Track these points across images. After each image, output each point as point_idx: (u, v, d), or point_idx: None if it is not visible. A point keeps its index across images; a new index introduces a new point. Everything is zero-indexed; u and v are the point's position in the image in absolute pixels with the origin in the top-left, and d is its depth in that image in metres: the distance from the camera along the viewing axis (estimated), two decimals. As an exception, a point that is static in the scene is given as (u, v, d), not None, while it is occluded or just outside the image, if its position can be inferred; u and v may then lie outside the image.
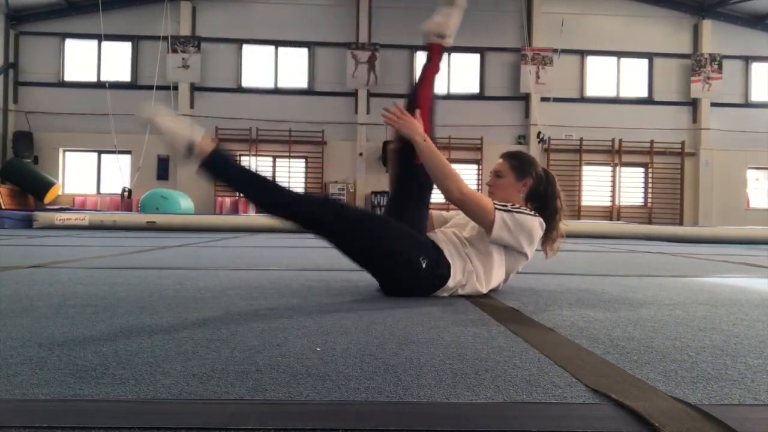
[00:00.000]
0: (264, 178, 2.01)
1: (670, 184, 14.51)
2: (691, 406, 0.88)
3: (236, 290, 2.17)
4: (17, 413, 0.82)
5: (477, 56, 14.43)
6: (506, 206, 2.03)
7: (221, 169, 2.00)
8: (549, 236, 2.19)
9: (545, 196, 2.20)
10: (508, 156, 2.26)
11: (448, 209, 2.30)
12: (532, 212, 2.09)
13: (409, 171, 2.12)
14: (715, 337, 1.44)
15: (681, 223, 13.99)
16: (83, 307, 1.73)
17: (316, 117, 14.04)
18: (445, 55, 2.28)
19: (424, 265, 1.97)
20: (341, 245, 2.04)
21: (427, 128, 2.09)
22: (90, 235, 6.98)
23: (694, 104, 14.54)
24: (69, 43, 14.19)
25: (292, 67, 14.38)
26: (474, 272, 2.06)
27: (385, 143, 13.69)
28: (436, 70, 2.24)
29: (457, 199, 1.99)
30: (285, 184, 2.04)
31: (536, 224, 2.07)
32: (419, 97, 2.18)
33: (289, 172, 14.22)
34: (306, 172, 14.34)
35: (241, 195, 2.06)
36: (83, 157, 14.31)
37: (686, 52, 14.56)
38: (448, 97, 14.15)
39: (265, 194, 1.99)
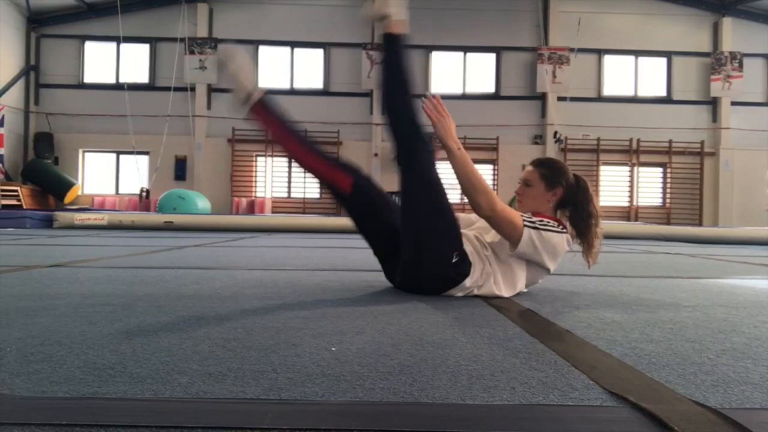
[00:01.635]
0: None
1: (689, 184, 14.31)
2: (712, 410, 0.86)
3: (252, 290, 2.19)
4: (37, 410, 0.83)
5: (493, 56, 14.36)
6: (534, 223, 1.99)
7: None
8: (586, 243, 2.10)
9: (576, 203, 2.12)
10: (539, 164, 2.18)
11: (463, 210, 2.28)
12: (560, 227, 2.05)
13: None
14: (736, 340, 1.42)
15: (700, 224, 13.79)
16: (102, 306, 1.75)
17: (332, 117, 14.08)
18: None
19: (453, 261, 1.96)
20: (402, 196, 2.02)
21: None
22: (108, 234, 7.07)
23: (713, 103, 14.33)
24: (88, 45, 14.39)
25: (308, 68, 14.43)
26: (492, 275, 2.04)
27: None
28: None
29: (487, 215, 1.95)
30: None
31: (562, 241, 2.04)
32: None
33: (305, 172, 14.24)
34: (321, 173, 14.35)
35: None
36: (102, 157, 14.50)
37: (706, 51, 14.35)
38: (464, 96, 14.10)
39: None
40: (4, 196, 11.79)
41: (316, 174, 2.10)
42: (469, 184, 1.94)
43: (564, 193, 2.13)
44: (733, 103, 14.20)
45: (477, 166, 2.01)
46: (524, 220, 1.98)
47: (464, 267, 2.01)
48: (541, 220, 2.02)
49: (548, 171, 2.14)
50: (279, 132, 2.14)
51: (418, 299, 1.98)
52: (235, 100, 2.08)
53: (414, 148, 2.02)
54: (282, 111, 2.16)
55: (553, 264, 2.06)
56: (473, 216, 2.28)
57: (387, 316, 1.65)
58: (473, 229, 2.22)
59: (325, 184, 2.12)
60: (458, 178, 1.97)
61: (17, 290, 2.06)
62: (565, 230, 2.07)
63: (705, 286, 2.68)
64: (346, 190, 2.07)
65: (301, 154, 2.11)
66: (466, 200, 1.99)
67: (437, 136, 1.97)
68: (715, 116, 14.35)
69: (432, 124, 1.98)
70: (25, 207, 12.25)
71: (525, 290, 2.19)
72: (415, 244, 2.01)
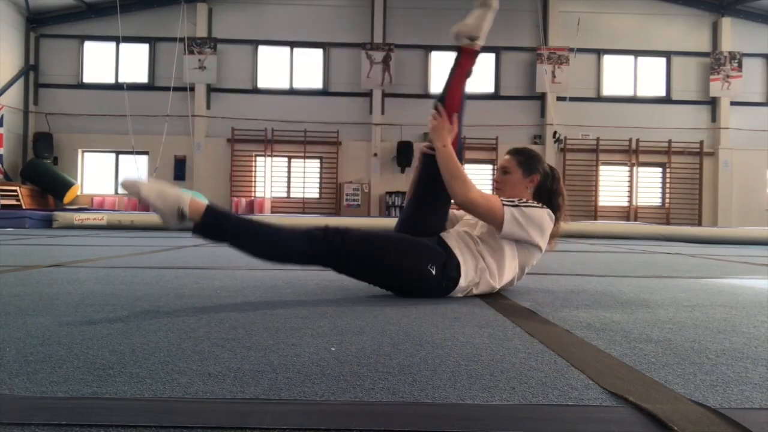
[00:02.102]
0: (260, 224, 1.93)
1: (689, 184, 14.32)
2: (711, 410, 0.87)
3: (252, 290, 2.19)
4: (37, 410, 0.83)
5: (492, 56, 14.36)
6: (513, 201, 2.05)
7: (215, 228, 1.89)
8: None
9: (550, 191, 2.22)
10: (515, 152, 2.27)
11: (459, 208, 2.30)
12: (540, 204, 2.11)
13: (431, 174, 2.12)
14: (735, 340, 1.42)
15: (699, 224, 13.79)
16: (101, 305, 1.75)
17: (331, 117, 14.07)
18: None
19: (434, 272, 1.98)
20: (352, 272, 2.06)
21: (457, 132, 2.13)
22: (108, 234, 7.06)
23: (713, 103, 14.33)
24: (88, 45, 14.38)
25: (307, 68, 14.43)
26: (487, 270, 2.06)
27: (400, 143, 13.69)
28: (467, 73, 2.21)
29: (462, 201, 2.02)
30: (282, 226, 1.97)
31: (545, 215, 2.08)
32: (447, 99, 2.17)
33: (304, 172, 14.28)
34: (321, 173, 14.38)
35: (242, 250, 1.93)
36: (101, 157, 14.49)
37: (705, 51, 14.35)
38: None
39: (264, 241, 1.91)
40: (4, 196, 11.78)
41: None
42: (448, 174, 2.03)
43: (541, 179, 2.22)
44: (733, 103, 14.20)
45: (476, 166, 2.08)
46: (503, 201, 2.03)
47: (451, 271, 2.01)
48: (520, 199, 2.09)
49: (525, 158, 2.24)
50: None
51: (418, 300, 1.98)
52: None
53: (318, 253, 1.98)
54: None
55: (542, 240, 2.08)
56: (457, 212, 2.35)
57: (386, 316, 1.65)
58: (461, 225, 2.24)
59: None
60: (441, 169, 2.06)
61: (17, 290, 2.06)
62: (545, 207, 2.11)
63: (704, 286, 2.68)
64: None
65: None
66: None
67: (430, 138, 2.13)
68: (714, 116, 14.35)
69: (430, 127, 2.15)
70: (24, 207, 12.25)
71: (522, 277, 2.21)
72: (390, 285, 2.10)
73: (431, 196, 2.15)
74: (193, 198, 1.88)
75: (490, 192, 2.15)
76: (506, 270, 2.09)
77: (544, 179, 2.22)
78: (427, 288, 2.02)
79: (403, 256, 2.01)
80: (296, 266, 2.06)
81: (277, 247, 1.94)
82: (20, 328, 1.39)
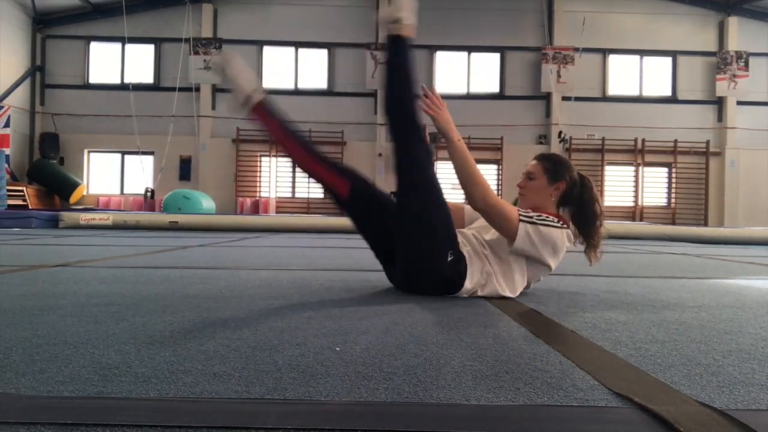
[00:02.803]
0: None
1: (695, 184, 14.26)
2: (718, 411, 0.86)
3: (257, 290, 2.19)
4: (43, 410, 0.83)
5: (497, 55, 14.34)
6: (531, 217, 1.98)
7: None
8: (591, 243, 2.10)
9: (580, 201, 2.11)
10: (542, 158, 2.18)
11: None
12: (560, 222, 2.03)
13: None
14: (742, 341, 1.41)
15: (706, 224, 13.74)
16: (107, 305, 1.76)
17: (336, 118, 14.09)
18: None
19: (449, 259, 1.96)
20: (400, 196, 2.04)
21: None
22: (114, 234, 7.09)
23: (719, 103, 14.27)
24: (94, 45, 14.45)
25: (312, 68, 14.45)
26: (493, 275, 2.03)
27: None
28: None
29: (481, 207, 1.97)
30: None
31: (562, 236, 2.01)
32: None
33: (305, 174, 14.27)
34: (326, 173, 14.37)
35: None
36: (107, 157, 14.56)
37: (711, 50, 14.29)
38: (468, 96, 14.09)
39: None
40: (11, 196, 11.84)
41: (315, 177, 2.13)
42: (465, 174, 1.97)
43: (567, 188, 2.12)
44: (739, 103, 14.14)
45: (481, 166, 2.03)
46: (520, 215, 1.97)
47: (460, 267, 2.00)
48: (539, 215, 2.01)
49: (551, 165, 2.14)
50: (279, 133, 2.18)
51: (422, 299, 1.98)
52: (234, 102, 2.13)
53: (413, 147, 2.03)
54: (282, 113, 2.20)
55: (553, 260, 2.03)
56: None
57: (391, 317, 1.65)
58: (473, 227, 2.21)
59: (323, 187, 2.14)
60: (456, 169, 1.99)
61: (23, 290, 2.07)
62: (565, 226, 2.05)
63: (711, 286, 2.67)
64: (345, 195, 2.10)
65: (301, 156, 2.15)
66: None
67: (438, 129, 2.02)
68: (720, 116, 14.29)
69: (432, 119, 2.02)
70: (30, 207, 12.31)
71: (527, 289, 2.18)
72: (409, 242, 2.02)
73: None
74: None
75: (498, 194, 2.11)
76: (514, 281, 2.05)
77: (571, 187, 2.11)
78: (432, 272, 1.97)
79: (443, 226, 1.98)
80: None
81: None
82: (26, 328, 1.40)
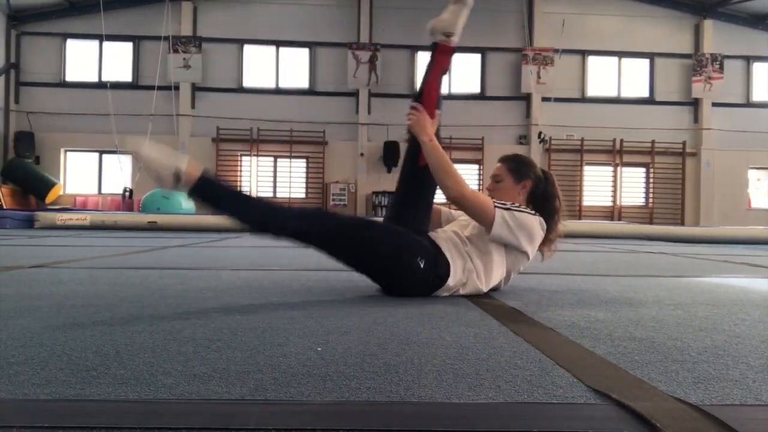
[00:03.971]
0: (255, 198, 2.00)
1: (672, 184, 14.50)
2: (693, 407, 0.88)
3: (238, 290, 2.18)
4: (19, 413, 0.82)
5: (478, 56, 14.42)
6: (506, 204, 2.04)
7: (210, 193, 1.93)
8: (547, 237, 2.17)
9: (544, 195, 2.21)
10: (506, 159, 2.27)
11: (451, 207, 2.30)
12: (533, 212, 2.10)
13: (415, 171, 2.13)
14: (717, 338, 1.44)
15: (682, 223, 13.98)
16: (84, 307, 1.73)
17: (318, 117, 14.05)
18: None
19: (422, 265, 1.97)
20: (338, 254, 2.05)
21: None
22: (91, 235, 6.98)
23: (695, 104, 14.53)
24: (70, 43, 14.20)
25: (293, 68, 14.38)
26: (474, 270, 2.06)
27: (387, 143, 13.70)
28: (443, 69, 2.20)
29: (455, 197, 2.00)
30: (275, 201, 2.05)
31: (536, 223, 2.07)
32: (425, 97, 2.15)
33: (290, 172, 14.24)
34: (307, 173, 14.35)
35: (233, 217, 1.95)
36: (84, 157, 14.33)
37: (687, 52, 14.54)
38: (449, 97, 14.13)
39: (257, 213, 1.96)
40: (-16, 196, 11.60)
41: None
42: (439, 168, 2.02)
43: (533, 185, 2.21)
44: (714, 104, 14.41)
45: (462, 167, 2.08)
46: (496, 203, 2.03)
47: (441, 268, 2.02)
48: (513, 203, 2.09)
49: (515, 165, 2.23)
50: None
51: (404, 299, 1.99)
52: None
53: (309, 230, 2.01)
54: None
55: (530, 247, 2.08)
56: (454, 212, 2.36)
57: (373, 316, 1.65)
58: (453, 225, 2.24)
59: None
60: (430, 165, 2.04)
61: (-3, 291, 2.03)
62: (537, 214, 2.11)
63: (687, 284, 2.72)
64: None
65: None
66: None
67: (413, 133, 2.10)
68: (696, 117, 14.55)
69: (409, 126, 2.11)
70: (5, 207, 12.06)
71: (509, 281, 2.23)
72: (377, 273, 2.09)
73: (415, 193, 2.15)
74: (191, 161, 1.90)
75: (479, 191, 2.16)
76: (493, 273, 2.09)
77: (537, 184, 2.20)
78: (412, 281, 2.01)
79: (395, 243, 2.00)
80: (284, 240, 2.01)
81: (269, 217, 1.98)
82: (1, 330, 1.37)
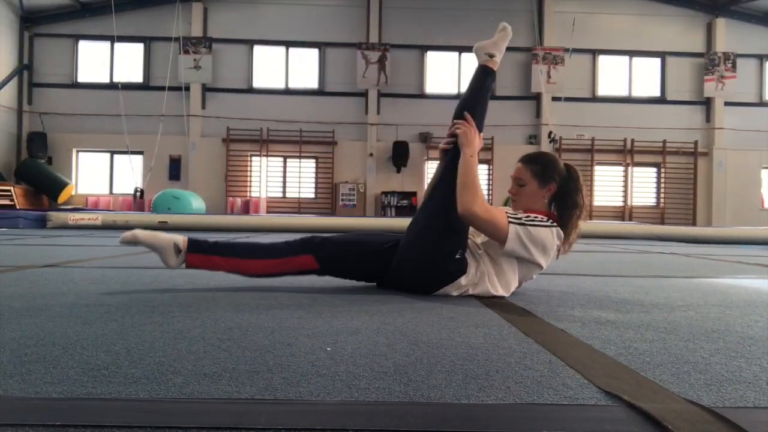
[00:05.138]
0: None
1: (683, 184, 14.38)
2: (705, 409, 0.87)
3: (247, 290, 2.18)
4: (31, 411, 0.83)
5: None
6: (520, 218, 2.00)
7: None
8: (564, 232, 2.09)
9: (566, 192, 2.12)
10: (529, 161, 2.16)
11: None
12: (549, 220, 2.04)
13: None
14: (729, 339, 1.43)
15: (694, 224, 13.86)
16: (96, 306, 1.75)
17: (327, 117, 14.07)
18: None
19: (457, 256, 2.03)
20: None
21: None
22: (103, 234, 7.04)
23: (707, 103, 14.41)
24: (82, 44, 14.33)
25: (303, 68, 14.42)
26: (486, 274, 2.05)
27: (396, 143, 13.69)
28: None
29: (463, 212, 1.97)
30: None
31: (551, 235, 2.02)
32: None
33: (300, 172, 14.28)
34: (316, 173, 14.38)
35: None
36: (96, 157, 14.45)
37: (699, 51, 14.43)
38: (458, 97, 14.03)
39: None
40: (-3, 196, 11.73)
41: (283, 272, 2.19)
42: (465, 181, 2.01)
43: (558, 187, 2.12)
44: (727, 104, 14.29)
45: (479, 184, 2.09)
46: (509, 217, 1.99)
47: (462, 264, 2.04)
48: (527, 216, 2.03)
49: (540, 168, 2.13)
50: (224, 261, 2.14)
51: (414, 299, 1.99)
52: (168, 261, 2.10)
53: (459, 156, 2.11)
54: (211, 241, 2.18)
55: (544, 259, 2.04)
56: None
57: (382, 316, 1.65)
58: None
59: (294, 273, 2.19)
60: (459, 177, 2.03)
61: (11, 290, 2.05)
62: (555, 224, 2.05)
63: (699, 285, 2.69)
64: (315, 267, 2.16)
65: (260, 266, 2.16)
66: None
67: (459, 143, 2.11)
68: (708, 116, 14.42)
69: (459, 135, 2.12)
70: (18, 207, 12.18)
71: (519, 288, 2.20)
72: (428, 236, 2.07)
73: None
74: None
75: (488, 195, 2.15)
76: (504, 280, 2.07)
77: (563, 184, 2.12)
78: (441, 270, 2.04)
79: (464, 226, 2.05)
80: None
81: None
82: (15, 329, 1.39)
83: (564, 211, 2.10)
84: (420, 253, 2.06)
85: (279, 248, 2.16)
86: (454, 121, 2.16)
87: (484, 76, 2.28)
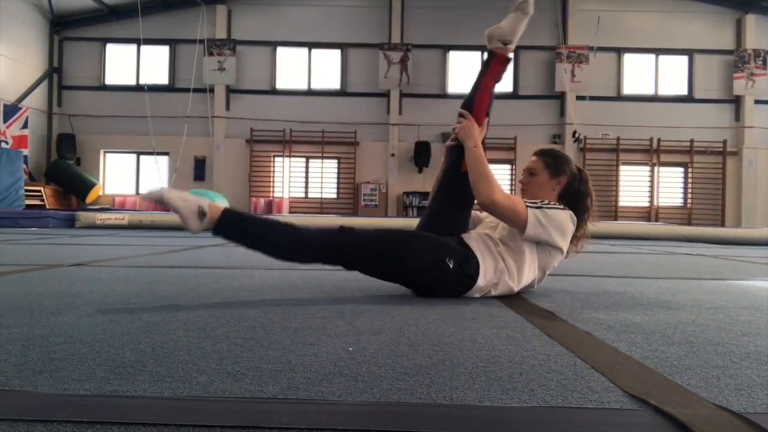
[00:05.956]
0: (278, 221, 1.99)
1: (711, 184, 14.09)
2: (735, 414, 0.85)
3: (270, 289, 2.20)
4: (60, 408, 0.84)
5: (511, 55, 14.26)
6: (536, 203, 2.03)
7: (235, 224, 1.96)
8: (574, 234, 2.15)
9: (577, 192, 2.18)
10: (542, 153, 2.23)
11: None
12: (562, 206, 2.08)
13: (458, 177, 2.11)
14: (760, 343, 1.39)
15: (722, 225, 13.56)
16: (122, 304, 1.78)
17: (349, 118, 14.11)
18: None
19: (451, 265, 1.97)
20: (367, 269, 2.07)
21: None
22: (129, 234, 7.16)
23: (736, 102, 14.09)
24: (110, 47, 14.61)
25: (325, 69, 14.49)
26: (506, 271, 2.04)
27: (418, 144, 13.67)
28: (496, 77, 2.19)
29: (485, 202, 1.99)
30: (298, 223, 2.03)
31: (567, 217, 2.06)
32: (476, 104, 2.14)
33: (322, 172, 14.35)
34: (338, 173, 14.44)
35: (260, 248, 1.97)
36: (123, 158, 14.72)
37: (729, 48, 14.11)
38: (481, 96, 14.01)
39: (283, 237, 1.96)
40: (28, 196, 12.00)
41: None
42: (476, 172, 2.02)
43: (568, 182, 2.18)
44: (757, 102, 13.95)
45: (494, 166, 2.07)
46: (526, 203, 2.01)
47: (471, 267, 2.00)
48: (543, 201, 2.07)
49: (552, 160, 2.20)
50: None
51: (436, 300, 1.98)
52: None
53: (336, 248, 2.01)
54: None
55: (563, 242, 2.06)
56: (481, 214, 2.34)
57: (404, 317, 1.65)
58: (481, 228, 2.23)
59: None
60: (469, 170, 2.04)
61: (40, 289, 2.10)
62: (567, 209, 2.09)
63: (728, 287, 2.63)
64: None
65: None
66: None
67: (459, 138, 2.10)
68: (738, 115, 14.11)
69: (456, 132, 2.11)
70: (48, 207, 12.46)
71: (542, 280, 2.19)
72: (409, 279, 2.09)
73: (457, 193, 2.14)
74: (212, 202, 1.96)
75: (511, 193, 2.14)
76: (526, 272, 2.07)
77: (572, 181, 2.18)
78: (443, 282, 2.00)
79: (421, 247, 2.01)
80: (311, 264, 2.05)
81: (294, 242, 1.97)
82: (44, 326, 1.42)
83: (575, 212, 2.14)
84: (423, 279, 2.06)
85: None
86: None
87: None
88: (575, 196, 2.18)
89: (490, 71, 2.18)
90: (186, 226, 1.90)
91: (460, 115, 2.13)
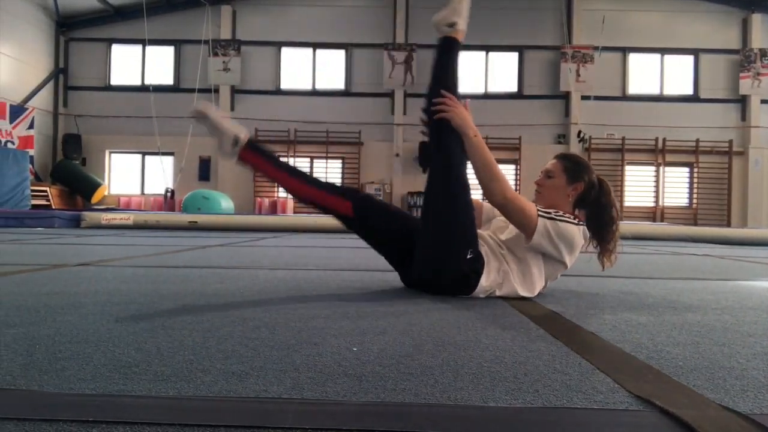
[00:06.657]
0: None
1: (717, 184, 14.02)
2: (741, 416, 0.84)
3: (274, 289, 2.20)
4: (65, 407, 0.85)
5: (515, 54, 14.25)
6: (549, 213, 1.97)
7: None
8: (606, 247, 2.09)
9: (598, 204, 2.10)
10: (563, 157, 2.17)
11: None
12: (576, 220, 2.02)
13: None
14: (766, 344, 1.39)
15: (728, 225, 13.50)
16: (127, 304, 1.78)
17: (353, 118, 14.12)
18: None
19: (468, 255, 1.97)
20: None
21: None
22: (134, 234, 7.18)
23: (742, 101, 14.03)
24: (115, 48, 14.66)
25: (330, 69, 14.50)
26: (510, 272, 2.03)
27: (422, 144, 13.66)
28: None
29: (500, 203, 1.96)
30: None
31: (578, 233, 2.00)
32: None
33: (327, 172, 14.36)
34: (343, 173, 14.44)
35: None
36: (128, 158, 14.77)
37: (734, 48, 14.05)
38: (486, 96, 14.02)
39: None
40: (34, 197, 12.05)
41: (317, 204, 2.16)
42: (483, 169, 1.97)
43: (584, 189, 2.10)
44: (763, 101, 13.89)
45: (499, 167, 2.02)
46: (539, 210, 1.97)
47: (477, 265, 1.99)
48: (557, 212, 2.01)
49: (571, 164, 2.13)
50: (272, 170, 2.20)
51: (440, 300, 1.97)
52: (222, 147, 2.12)
53: (448, 144, 2.05)
54: (270, 150, 2.26)
55: (570, 257, 2.02)
56: (496, 210, 2.28)
57: (409, 317, 1.64)
58: (489, 228, 2.22)
59: (325, 211, 2.17)
60: (474, 164, 2.00)
61: (46, 288, 2.11)
62: (582, 223, 2.04)
63: (734, 288, 2.62)
64: (349, 214, 2.12)
65: (298, 187, 2.17)
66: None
67: (455, 126, 2.02)
68: (744, 115, 14.04)
69: (448, 119, 2.03)
70: (53, 207, 12.52)
71: (545, 289, 2.16)
72: (432, 235, 2.04)
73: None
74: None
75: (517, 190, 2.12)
76: (530, 280, 2.04)
77: (589, 189, 2.09)
78: (448, 265, 1.98)
79: (466, 222, 2.00)
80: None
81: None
82: (49, 326, 1.42)
83: (601, 225, 2.09)
84: (431, 254, 2.03)
85: (325, 184, 2.17)
86: (434, 100, 2.05)
87: (449, 49, 2.13)
88: (596, 207, 2.10)
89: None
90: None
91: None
